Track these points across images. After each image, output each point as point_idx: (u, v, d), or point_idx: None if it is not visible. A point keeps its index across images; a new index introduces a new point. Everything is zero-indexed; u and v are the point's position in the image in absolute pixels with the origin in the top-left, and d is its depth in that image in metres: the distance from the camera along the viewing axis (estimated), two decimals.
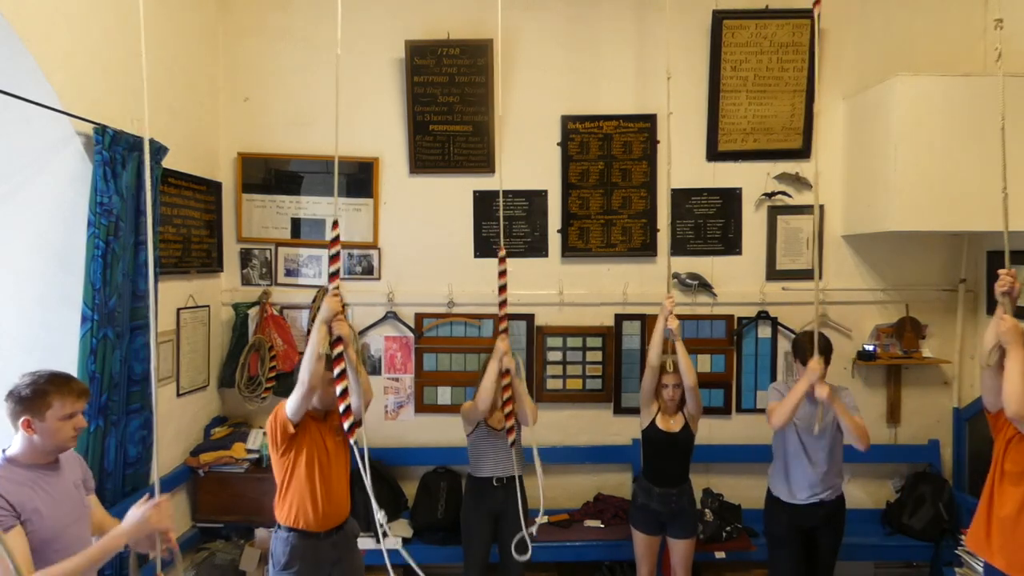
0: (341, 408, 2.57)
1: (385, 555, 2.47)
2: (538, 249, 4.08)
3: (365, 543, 3.47)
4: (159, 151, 3.09)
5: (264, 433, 3.76)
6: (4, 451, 2.01)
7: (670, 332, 3.13)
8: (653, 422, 3.26)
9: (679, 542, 3.25)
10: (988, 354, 2.50)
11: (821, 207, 4.02)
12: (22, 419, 1.95)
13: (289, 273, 4.07)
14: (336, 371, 2.57)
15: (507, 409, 3.08)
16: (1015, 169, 3.49)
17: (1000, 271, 2.54)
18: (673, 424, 3.25)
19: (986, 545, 2.53)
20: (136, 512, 2.07)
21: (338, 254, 2.58)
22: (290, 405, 2.67)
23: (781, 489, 3.17)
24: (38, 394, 1.95)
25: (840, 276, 4.07)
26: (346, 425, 2.57)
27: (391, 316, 4.05)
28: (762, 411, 3.98)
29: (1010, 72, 3.57)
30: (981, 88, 3.47)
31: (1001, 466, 2.48)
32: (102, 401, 2.74)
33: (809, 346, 3.00)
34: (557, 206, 4.06)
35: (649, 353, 3.25)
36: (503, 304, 3.00)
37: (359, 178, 4.02)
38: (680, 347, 3.14)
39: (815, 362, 2.90)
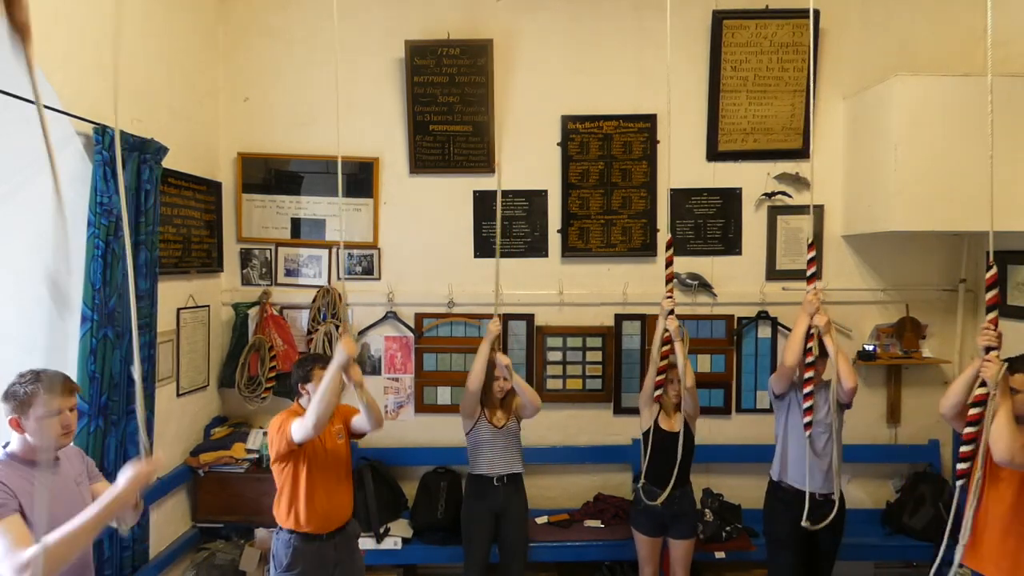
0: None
1: None
2: (538, 249, 4.08)
3: (365, 543, 3.48)
4: (159, 151, 3.08)
5: (264, 433, 3.76)
6: (5, 447, 2.02)
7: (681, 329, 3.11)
8: (656, 423, 3.26)
9: (679, 542, 3.26)
10: (951, 404, 2.54)
11: (820, 207, 4.03)
12: (9, 419, 1.97)
13: (289, 273, 4.07)
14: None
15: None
16: (1016, 169, 3.50)
17: (984, 326, 2.40)
18: (675, 424, 3.25)
19: (973, 553, 2.53)
20: (130, 471, 1.98)
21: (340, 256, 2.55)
22: (297, 434, 2.64)
23: (780, 473, 3.17)
24: (21, 393, 1.97)
25: (840, 276, 4.07)
26: None
27: (391, 316, 4.05)
28: (762, 411, 4.00)
29: (1010, 72, 3.58)
30: (981, 88, 3.46)
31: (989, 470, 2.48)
32: (102, 401, 2.74)
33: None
34: (557, 206, 4.06)
35: (651, 351, 3.25)
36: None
37: (359, 178, 4.02)
38: (680, 348, 3.12)
39: (811, 293, 2.94)
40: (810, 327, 2.97)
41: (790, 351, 3.04)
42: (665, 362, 3.15)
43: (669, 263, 3.03)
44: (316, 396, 2.58)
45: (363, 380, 2.74)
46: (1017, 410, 2.41)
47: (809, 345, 2.97)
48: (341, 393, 2.64)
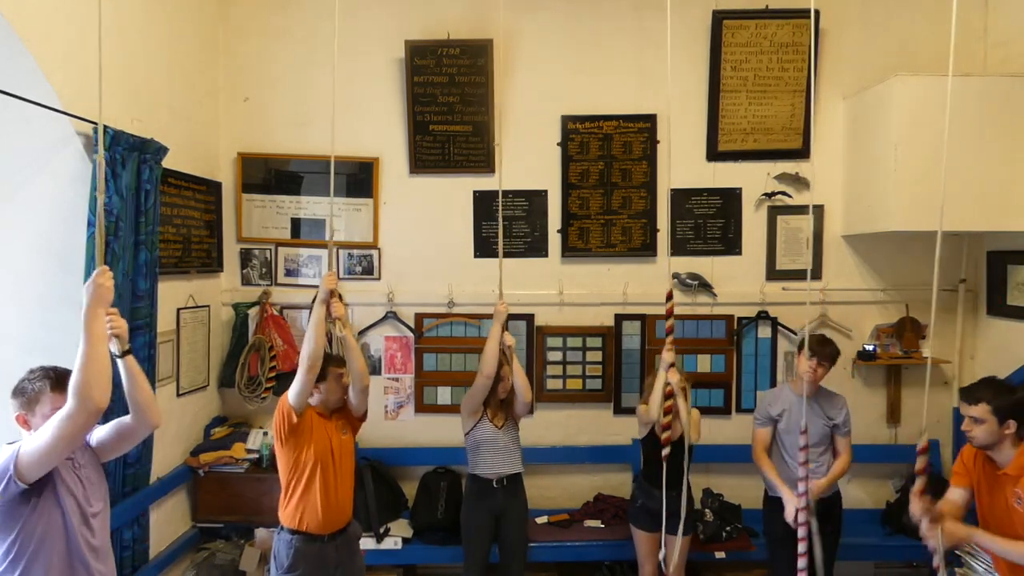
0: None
1: None
2: (538, 249, 4.08)
3: (365, 544, 3.47)
4: (159, 151, 3.08)
5: (265, 433, 3.76)
6: (14, 443, 2.01)
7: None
8: (652, 431, 3.26)
9: (675, 539, 3.25)
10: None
11: (820, 207, 4.03)
12: (17, 415, 1.98)
13: (289, 273, 4.07)
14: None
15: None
16: (1015, 169, 3.50)
17: (912, 495, 2.22)
18: (672, 432, 3.23)
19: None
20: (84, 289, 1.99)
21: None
22: (292, 391, 2.70)
23: (773, 491, 3.19)
24: (29, 390, 1.97)
25: (840, 276, 4.06)
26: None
27: (391, 316, 4.05)
28: None
29: (1010, 72, 3.58)
30: (981, 88, 3.47)
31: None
32: None
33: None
34: (557, 206, 4.06)
35: (650, 409, 3.09)
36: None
37: (359, 178, 4.02)
38: (683, 404, 2.96)
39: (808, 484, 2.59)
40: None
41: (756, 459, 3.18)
42: (668, 418, 2.85)
43: (669, 314, 2.61)
44: (306, 339, 2.70)
45: (345, 316, 2.86)
46: (983, 440, 2.39)
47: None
48: (325, 336, 2.79)
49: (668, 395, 2.93)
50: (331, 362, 2.84)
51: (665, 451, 2.81)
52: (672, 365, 2.88)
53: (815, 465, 3.07)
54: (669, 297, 2.60)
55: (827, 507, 3.12)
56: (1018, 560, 2.31)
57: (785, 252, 4.07)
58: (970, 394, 2.44)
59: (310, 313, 3.84)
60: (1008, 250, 3.79)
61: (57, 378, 1.99)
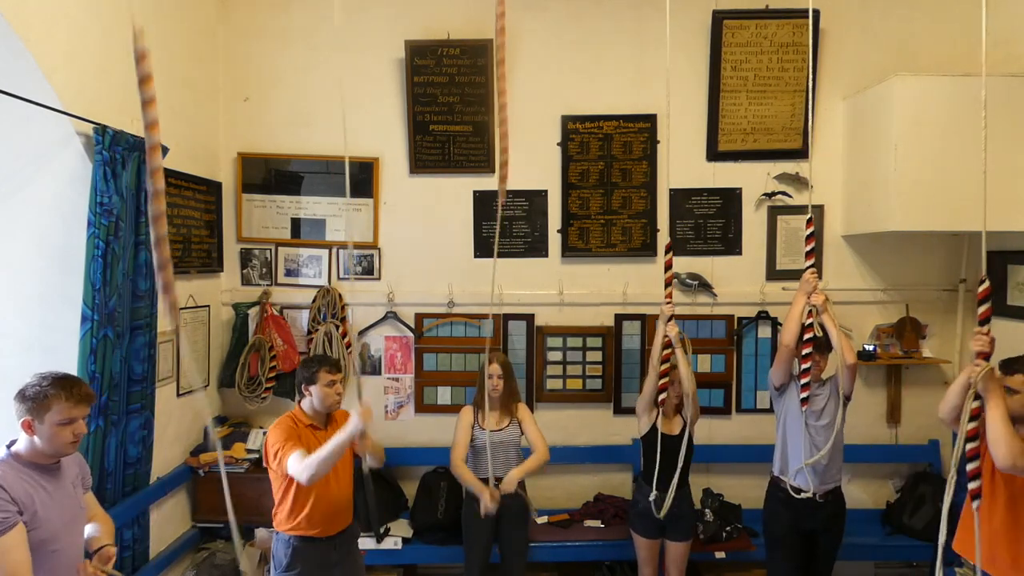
0: None
1: None
2: (538, 249, 4.08)
3: (365, 543, 3.47)
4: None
5: (264, 433, 3.76)
6: (9, 446, 2.02)
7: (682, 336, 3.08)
8: (654, 426, 3.25)
9: (675, 544, 3.26)
10: (947, 408, 2.43)
11: (820, 207, 4.03)
12: (22, 420, 1.97)
13: (289, 273, 4.07)
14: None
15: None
16: (1015, 169, 3.50)
17: (976, 331, 2.29)
18: (674, 427, 3.25)
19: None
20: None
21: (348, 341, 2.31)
22: (291, 471, 2.57)
23: (781, 470, 3.17)
24: (39, 396, 1.95)
25: (840, 276, 4.06)
26: None
27: (391, 316, 4.05)
28: (763, 411, 4.00)
29: (1010, 72, 3.58)
30: (981, 88, 3.46)
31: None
32: (102, 401, 2.74)
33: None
34: (557, 206, 4.06)
35: (651, 357, 3.21)
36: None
37: (359, 178, 4.02)
38: (681, 354, 3.07)
39: (809, 273, 2.92)
40: (808, 308, 2.94)
41: (787, 331, 3.06)
42: (666, 365, 3.08)
43: (668, 266, 2.93)
44: (319, 457, 2.49)
45: (373, 446, 2.75)
46: (1015, 411, 2.39)
47: (808, 321, 2.93)
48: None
49: (666, 346, 3.05)
50: (323, 366, 2.78)
51: (661, 388, 3.06)
52: (671, 319, 3.02)
53: (827, 454, 3.05)
54: (668, 250, 2.89)
55: (833, 508, 3.12)
56: (996, 437, 2.26)
57: (785, 252, 4.07)
58: (1009, 366, 2.47)
59: (310, 324, 3.84)
60: (1008, 250, 3.79)
61: (70, 387, 1.98)
